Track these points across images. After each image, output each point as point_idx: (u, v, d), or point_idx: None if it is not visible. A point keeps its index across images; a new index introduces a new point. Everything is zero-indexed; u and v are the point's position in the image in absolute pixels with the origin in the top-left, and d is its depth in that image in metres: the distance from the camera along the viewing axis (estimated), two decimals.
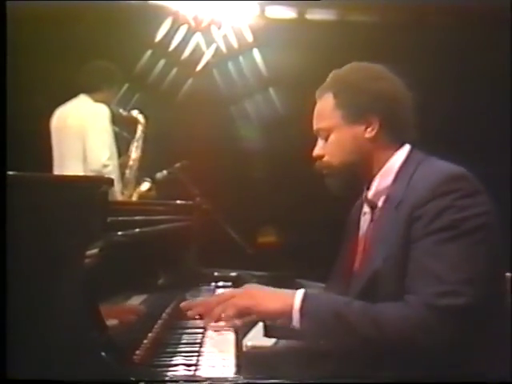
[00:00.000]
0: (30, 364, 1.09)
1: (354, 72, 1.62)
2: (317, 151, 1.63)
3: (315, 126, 1.63)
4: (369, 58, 1.63)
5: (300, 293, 1.42)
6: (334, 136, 1.59)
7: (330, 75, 1.65)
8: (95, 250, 1.13)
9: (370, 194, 1.59)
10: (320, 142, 1.63)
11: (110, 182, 1.23)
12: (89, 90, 3.68)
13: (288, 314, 1.40)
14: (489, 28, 4.01)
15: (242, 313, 1.45)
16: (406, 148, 1.58)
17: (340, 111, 1.57)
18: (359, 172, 1.59)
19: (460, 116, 4.23)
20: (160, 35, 4.49)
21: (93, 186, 1.14)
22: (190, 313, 1.52)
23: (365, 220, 1.63)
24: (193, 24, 4.45)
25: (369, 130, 1.56)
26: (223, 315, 1.45)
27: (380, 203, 1.56)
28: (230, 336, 1.55)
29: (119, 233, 1.27)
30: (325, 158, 1.60)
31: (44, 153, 3.66)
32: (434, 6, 4.20)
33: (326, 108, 1.61)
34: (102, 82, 3.69)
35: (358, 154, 1.57)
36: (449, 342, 1.32)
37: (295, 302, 1.40)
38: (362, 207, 1.67)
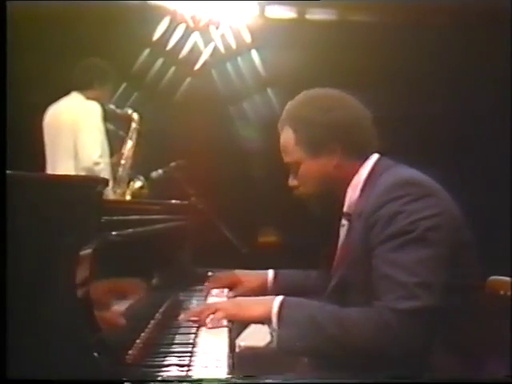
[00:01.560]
0: (30, 364, 1.09)
1: (306, 105, 1.70)
2: (290, 182, 1.75)
3: (284, 159, 1.74)
4: (368, 57, 1.66)
5: (278, 299, 1.53)
6: (302, 169, 1.69)
7: (286, 107, 1.74)
8: (89, 250, 1.13)
9: (345, 207, 1.67)
10: (292, 173, 1.74)
11: (106, 182, 1.23)
12: (81, 88, 3.68)
13: (268, 318, 1.52)
14: (489, 28, 4.02)
15: (229, 318, 1.60)
16: (374, 158, 1.66)
17: (301, 146, 1.68)
18: (334, 194, 1.68)
19: (460, 116, 4.23)
20: (158, 34, 4.48)
21: (88, 186, 1.14)
22: (181, 317, 1.67)
23: (342, 231, 1.71)
24: (191, 23, 4.45)
25: (332, 157, 1.65)
26: (212, 319, 1.58)
27: (351, 214, 1.64)
28: (223, 336, 1.55)
29: (113, 232, 1.27)
30: (300, 188, 1.72)
31: (37, 151, 3.66)
32: (434, 5, 4.20)
33: (288, 143, 1.71)
34: (93, 80, 3.70)
35: (329, 181, 1.67)
36: (411, 344, 1.37)
37: (273, 307, 1.51)
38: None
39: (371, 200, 1.52)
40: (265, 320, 1.53)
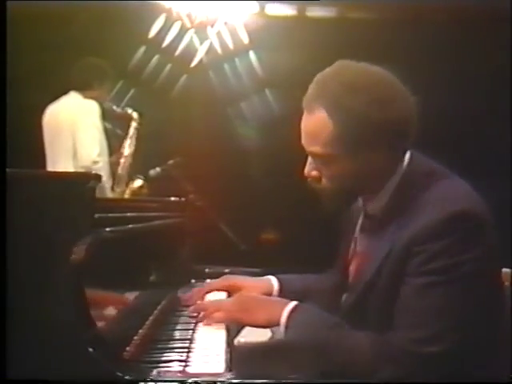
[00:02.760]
0: (30, 364, 1.10)
1: (352, 91, 1.35)
2: (311, 172, 1.45)
3: (308, 147, 1.42)
4: (368, 57, 1.48)
5: (289, 306, 1.44)
6: (332, 166, 1.40)
7: (318, 81, 1.41)
8: (83, 247, 1.13)
9: (370, 207, 1.50)
10: (313, 162, 1.44)
11: (98, 178, 1.22)
12: (80, 87, 3.68)
13: (274, 325, 1.45)
14: (489, 28, 4.01)
15: (232, 321, 1.53)
16: (407, 157, 1.45)
17: (339, 142, 1.36)
18: (360, 191, 1.49)
19: (460, 116, 4.23)
20: (154, 32, 4.48)
21: (80, 182, 1.13)
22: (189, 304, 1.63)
23: (362, 228, 1.56)
24: (188, 21, 4.44)
25: (374, 155, 1.38)
26: (210, 318, 1.53)
27: (378, 216, 1.46)
28: (221, 333, 1.55)
29: (107, 229, 1.26)
30: (322, 181, 1.44)
31: (36, 150, 3.66)
32: (434, 4, 4.19)
33: (321, 132, 1.37)
34: (92, 79, 3.70)
35: (360, 178, 1.41)
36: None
37: (283, 316, 1.43)
38: (358, 213, 1.59)
39: (422, 225, 1.33)
40: (269, 326, 1.48)
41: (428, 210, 1.34)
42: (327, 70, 1.41)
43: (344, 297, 1.58)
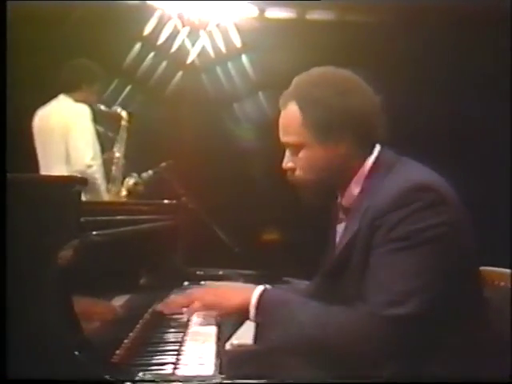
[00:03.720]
0: (30, 364, 1.10)
1: (320, 84, 1.54)
2: (287, 164, 1.58)
3: (282, 138, 1.58)
4: (367, 58, 1.57)
5: (258, 289, 1.50)
6: (304, 152, 1.54)
7: (293, 82, 1.58)
8: (69, 250, 1.13)
9: (344, 200, 1.58)
10: (289, 154, 1.58)
11: (83, 181, 1.22)
12: (69, 89, 3.66)
13: (246, 309, 1.48)
14: (489, 28, 4.02)
15: (206, 309, 1.58)
16: (377, 150, 1.56)
17: (308, 129, 1.52)
18: (333, 183, 1.58)
19: (459, 116, 4.23)
20: (146, 32, 4.47)
21: (65, 186, 1.13)
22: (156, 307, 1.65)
23: (340, 225, 1.63)
24: (180, 23, 4.43)
25: (340, 145, 1.52)
26: (188, 309, 1.58)
27: (352, 209, 1.55)
28: (212, 336, 1.55)
29: (94, 232, 1.26)
30: (297, 172, 1.57)
31: (27, 153, 3.65)
32: (434, 6, 4.19)
33: (292, 122, 1.54)
34: (81, 81, 3.67)
35: (331, 169, 1.54)
36: (390, 350, 1.35)
37: (252, 298, 1.48)
38: (337, 212, 1.66)
39: (380, 200, 1.44)
40: (241, 310, 1.50)
41: (389, 187, 1.45)
42: (302, 73, 1.60)
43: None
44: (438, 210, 1.40)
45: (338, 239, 1.63)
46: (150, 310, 1.72)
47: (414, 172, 1.50)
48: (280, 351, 1.50)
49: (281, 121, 1.58)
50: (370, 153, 1.55)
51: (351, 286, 1.47)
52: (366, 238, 1.45)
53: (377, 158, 1.54)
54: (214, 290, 1.63)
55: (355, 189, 1.54)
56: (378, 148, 1.56)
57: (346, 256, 1.50)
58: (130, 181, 3.56)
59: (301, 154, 1.54)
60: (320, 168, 1.54)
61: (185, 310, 1.59)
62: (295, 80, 1.59)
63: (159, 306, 1.62)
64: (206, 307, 1.58)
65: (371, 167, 1.54)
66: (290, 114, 1.54)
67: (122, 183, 3.61)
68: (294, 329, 1.42)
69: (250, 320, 1.50)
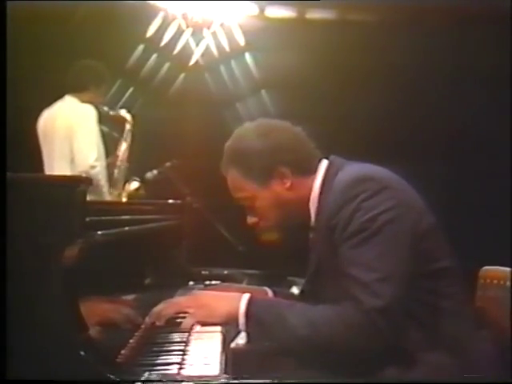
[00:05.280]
0: (30, 364, 1.10)
1: (241, 139, 1.66)
2: (249, 220, 1.68)
3: (235, 196, 1.68)
4: (367, 58, 1.58)
5: (245, 297, 1.52)
6: (257, 203, 1.63)
7: (224, 150, 1.69)
8: (75, 250, 1.13)
9: (311, 221, 1.64)
10: (248, 211, 1.68)
11: (88, 181, 1.22)
12: (76, 90, 3.66)
13: (235, 318, 1.50)
14: (489, 28, 4.01)
15: (199, 323, 1.55)
16: (324, 164, 1.64)
17: (250, 180, 1.62)
18: (296, 215, 1.64)
19: (459, 116, 4.23)
20: (150, 33, 4.47)
21: (70, 186, 1.13)
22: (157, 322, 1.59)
23: (312, 243, 1.69)
24: (183, 23, 4.43)
25: (284, 181, 1.61)
26: (182, 326, 1.54)
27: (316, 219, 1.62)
28: (217, 335, 1.54)
29: (99, 232, 1.26)
30: (261, 223, 1.67)
31: (32, 154, 3.66)
32: (434, 6, 4.19)
33: (236, 182, 1.65)
34: (89, 82, 3.68)
35: (287, 204, 1.62)
36: (381, 340, 1.38)
37: (241, 306, 1.49)
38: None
39: (330, 203, 1.51)
40: (230, 319, 1.51)
41: (335, 186, 1.53)
42: (230, 139, 1.70)
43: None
44: (384, 197, 1.45)
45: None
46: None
47: (355, 168, 1.57)
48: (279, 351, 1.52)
49: (229, 184, 1.69)
50: (313, 172, 1.63)
51: (332, 287, 1.52)
52: (327, 239, 1.50)
53: (327, 170, 1.62)
54: (202, 302, 1.60)
55: (314, 207, 1.61)
56: (325, 163, 1.64)
57: (317, 260, 1.59)
58: (132, 185, 3.57)
59: (256, 206, 1.64)
60: (277, 209, 1.62)
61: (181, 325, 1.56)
62: (225, 147, 1.69)
63: (150, 318, 1.57)
64: (199, 322, 1.56)
65: (323, 179, 1.61)
66: (232, 176, 1.66)
67: (124, 187, 3.61)
68: (284, 331, 1.45)
69: (240, 329, 1.51)
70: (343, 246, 1.45)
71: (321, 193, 1.60)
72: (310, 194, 1.62)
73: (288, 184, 1.61)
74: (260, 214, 1.66)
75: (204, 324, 1.55)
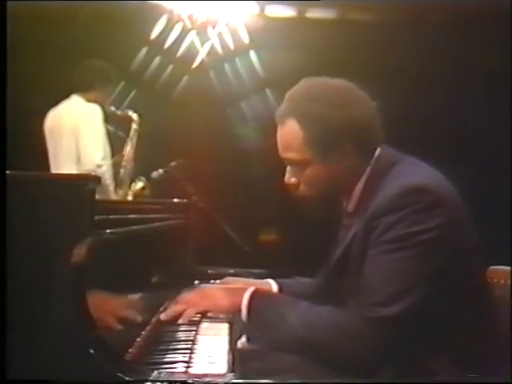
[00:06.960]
0: (30, 364, 1.10)
1: (317, 100, 1.51)
2: (290, 180, 1.57)
3: (283, 154, 1.56)
4: (369, 56, 1.56)
5: (249, 290, 1.52)
6: (308, 169, 1.53)
7: (289, 97, 1.56)
8: (83, 248, 1.13)
9: (349, 206, 1.59)
10: (291, 170, 1.57)
11: (97, 179, 1.23)
12: (82, 90, 3.67)
13: (238, 309, 1.50)
14: (489, 28, 4.00)
15: (201, 313, 1.59)
16: (376, 154, 1.56)
17: (311, 147, 1.50)
18: (338, 195, 1.60)
19: (459, 115, 4.22)
20: (155, 33, 4.47)
21: (79, 184, 1.13)
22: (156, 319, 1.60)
23: (344, 231, 1.62)
24: (189, 22, 4.43)
25: (344, 159, 1.52)
26: (183, 317, 1.54)
27: (355, 213, 1.56)
28: (224, 334, 1.55)
29: (108, 231, 1.27)
30: (300, 187, 1.57)
31: (37, 153, 3.67)
32: (434, 5, 4.19)
33: (293, 140, 1.52)
34: (95, 82, 3.69)
35: (336, 183, 1.55)
36: (374, 351, 1.37)
37: (244, 299, 1.50)
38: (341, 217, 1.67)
39: (379, 201, 1.45)
40: (233, 311, 1.53)
41: (386, 189, 1.46)
42: (294, 87, 1.57)
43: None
44: (433, 214, 1.40)
45: (341, 240, 1.63)
46: (161, 309, 1.72)
47: (412, 173, 1.50)
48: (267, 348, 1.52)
49: (280, 137, 1.56)
50: (371, 157, 1.55)
51: (349, 286, 1.50)
52: (362, 239, 1.46)
53: (377, 161, 1.55)
54: (206, 293, 1.62)
55: (358, 194, 1.55)
56: (378, 151, 1.56)
57: (345, 257, 1.52)
58: (137, 185, 3.57)
59: (304, 171, 1.54)
60: (325, 183, 1.54)
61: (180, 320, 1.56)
62: (290, 95, 1.56)
63: (162, 316, 1.58)
64: (201, 312, 1.58)
65: (372, 171, 1.54)
66: (290, 131, 1.53)
67: (130, 186, 3.62)
68: (281, 329, 1.44)
69: (243, 320, 1.51)
70: (375, 248, 1.41)
71: (367, 183, 1.53)
72: (358, 179, 1.54)
73: (346, 164, 1.52)
74: (305, 181, 1.54)
75: (205, 313, 1.59)
